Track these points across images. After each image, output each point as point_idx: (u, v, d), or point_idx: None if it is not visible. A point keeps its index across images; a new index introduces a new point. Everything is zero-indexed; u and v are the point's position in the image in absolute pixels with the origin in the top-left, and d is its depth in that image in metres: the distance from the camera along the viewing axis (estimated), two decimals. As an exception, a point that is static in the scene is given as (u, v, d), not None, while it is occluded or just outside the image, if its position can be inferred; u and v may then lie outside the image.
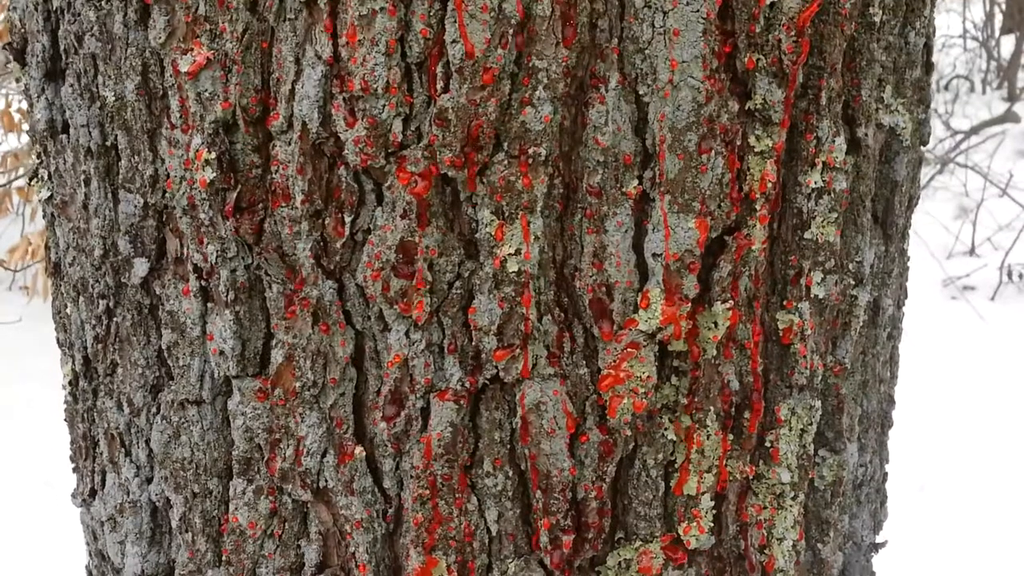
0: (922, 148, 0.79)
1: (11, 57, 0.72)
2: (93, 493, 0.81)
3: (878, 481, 0.86)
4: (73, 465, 0.86)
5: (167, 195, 0.64)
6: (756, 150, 0.60)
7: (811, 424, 0.70)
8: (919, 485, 4.40)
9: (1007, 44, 9.33)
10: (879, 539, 0.89)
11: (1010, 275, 6.22)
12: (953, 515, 4.08)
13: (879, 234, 0.73)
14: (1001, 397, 5.02)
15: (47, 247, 0.82)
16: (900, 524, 4.32)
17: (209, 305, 0.65)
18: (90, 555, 0.89)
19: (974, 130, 7.32)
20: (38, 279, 5.36)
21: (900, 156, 0.72)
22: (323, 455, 0.66)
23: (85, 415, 0.78)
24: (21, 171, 5.37)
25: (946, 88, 10.61)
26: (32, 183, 0.77)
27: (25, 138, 5.85)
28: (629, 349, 0.60)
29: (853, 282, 0.71)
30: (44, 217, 0.80)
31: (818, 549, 0.77)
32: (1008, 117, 7.19)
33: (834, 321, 0.71)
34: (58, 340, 0.82)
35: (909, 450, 4.58)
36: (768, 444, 0.69)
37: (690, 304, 0.61)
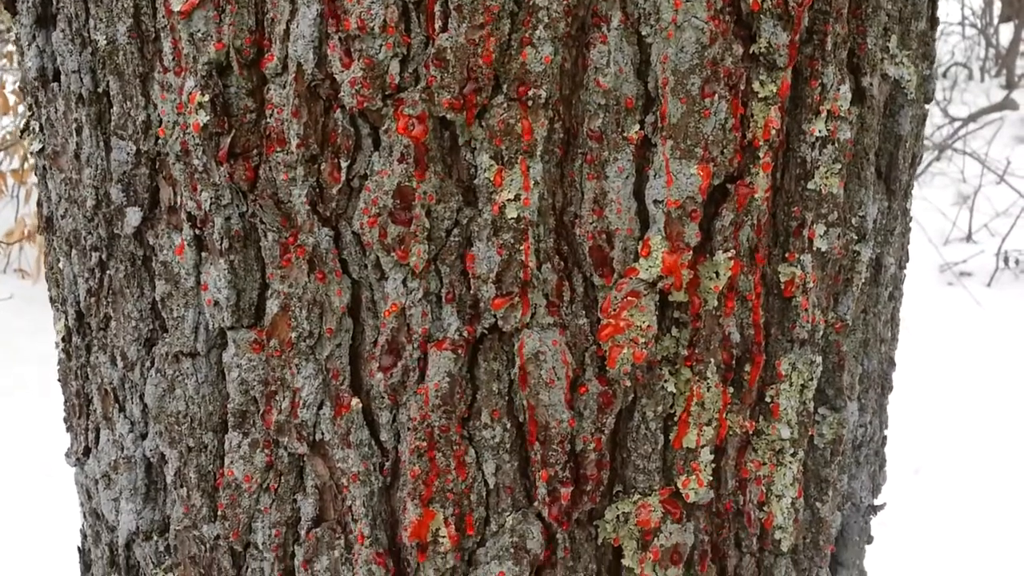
0: (925, 106, 0.79)
1: (2, 7, 0.71)
2: (87, 451, 0.80)
3: (877, 443, 0.85)
4: (67, 424, 0.86)
5: (160, 141, 0.63)
6: (760, 96, 0.59)
7: (812, 380, 0.70)
8: (914, 468, 4.42)
9: (1005, 32, 9.32)
10: (877, 502, 0.89)
11: (1007, 261, 6.23)
12: (948, 498, 4.10)
13: (882, 189, 0.72)
14: (997, 382, 5.03)
15: (39, 204, 0.81)
16: (895, 507, 4.33)
17: (203, 255, 0.64)
18: (84, 516, 0.88)
19: (972, 117, 7.32)
20: (37, 262, 5.34)
21: (905, 109, 0.71)
22: (319, 407, 0.65)
23: (78, 372, 0.77)
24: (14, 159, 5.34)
25: (944, 76, 10.61)
26: (23, 136, 0.76)
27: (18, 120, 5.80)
28: (629, 298, 0.60)
29: (856, 237, 0.70)
30: (36, 172, 0.79)
31: (817, 508, 0.76)
32: (1006, 104, 7.19)
33: (836, 276, 0.70)
34: (51, 297, 0.81)
35: (905, 434, 4.60)
36: (768, 399, 0.69)
37: (691, 253, 0.60)
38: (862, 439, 0.81)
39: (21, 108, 5.73)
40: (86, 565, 0.92)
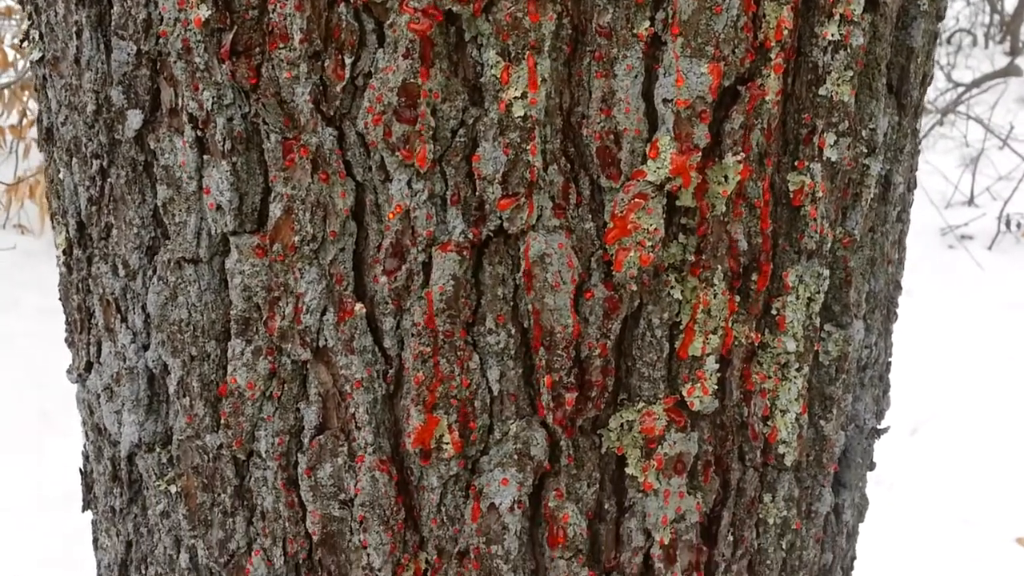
0: (939, 23, 0.77)
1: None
2: (89, 366, 0.80)
3: (882, 367, 0.85)
4: (68, 341, 0.86)
5: (161, 41, 0.62)
6: (772, -5, 0.58)
7: (819, 293, 0.69)
8: (912, 428, 4.44)
9: (1011, -2, 9.18)
10: (881, 425, 0.89)
11: (1008, 225, 6.23)
12: (945, 459, 4.12)
13: (893, 104, 0.71)
14: (996, 345, 5.05)
15: (39, 119, 0.80)
16: (892, 467, 4.37)
17: (205, 157, 0.63)
18: (85, 434, 0.89)
19: (976, 83, 7.29)
20: (39, 217, 5.33)
21: (917, 21, 0.70)
22: (323, 313, 0.65)
23: (80, 285, 0.77)
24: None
25: (948, 41, 10.55)
26: (23, 45, 0.74)
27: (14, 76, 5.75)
28: (636, 200, 0.59)
29: (866, 150, 0.69)
30: (35, 83, 0.78)
31: (820, 426, 0.76)
32: (1010, 71, 7.14)
33: (845, 189, 0.69)
34: (52, 211, 0.81)
35: (903, 394, 4.60)
36: (774, 311, 0.68)
37: (700, 155, 0.59)
38: (867, 360, 0.81)
39: (21, 64, 5.68)
40: (87, 487, 0.93)
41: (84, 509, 0.98)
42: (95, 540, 0.98)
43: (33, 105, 5.70)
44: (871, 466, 0.91)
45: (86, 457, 0.92)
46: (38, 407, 4.14)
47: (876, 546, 3.46)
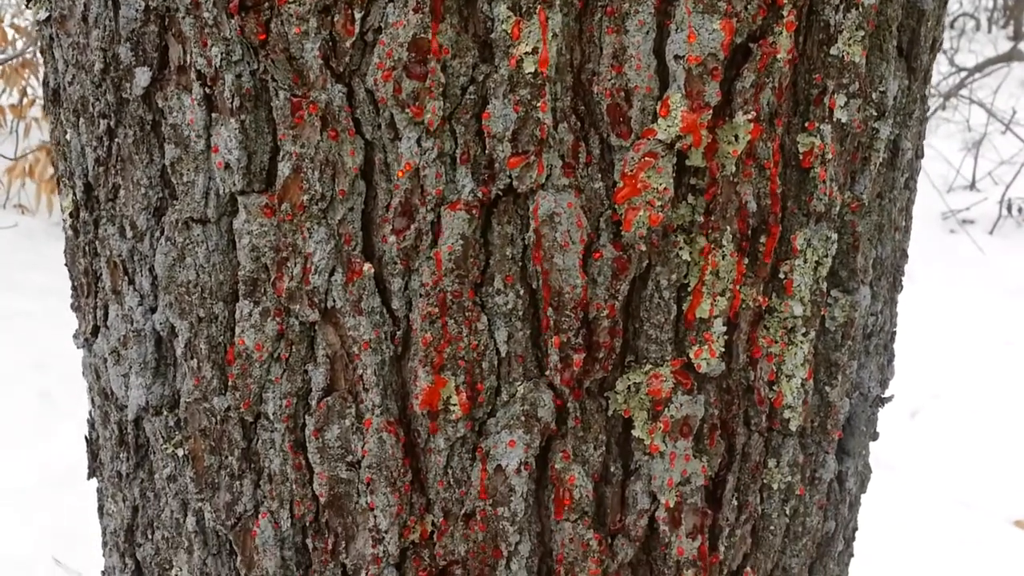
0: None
1: None
2: (95, 330, 0.80)
3: (887, 335, 0.85)
4: (74, 306, 0.86)
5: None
6: (784, -48, 0.58)
7: (826, 257, 0.69)
8: (912, 411, 4.45)
9: (1017, -21, 9.13)
10: (886, 394, 0.89)
11: (1010, 209, 6.23)
12: (944, 441, 4.14)
13: (903, 67, 0.71)
14: (996, 329, 5.05)
15: (45, 81, 0.80)
16: (892, 449, 4.38)
17: (214, 115, 0.63)
18: (92, 400, 0.89)
19: (979, 67, 7.27)
20: (36, 197, 5.32)
21: (928, -15, 0.69)
22: (331, 273, 0.65)
23: (87, 248, 0.76)
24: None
25: (952, 26, 10.50)
26: (29, 5, 0.74)
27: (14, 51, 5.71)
28: (647, 159, 0.59)
29: (876, 113, 0.69)
30: (41, 44, 0.77)
31: (826, 392, 0.76)
32: (1013, 55, 7.12)
33: (854, 153, 0.69)
34: (58, 174, 0.80)
35: (903, 377, 4.60)
36: (782, 275, 0.68)
37: (711, 113, 0.59)
38: (873, 328, 0.81)
39: (20, 43, 5.65)
40: (93, 454, 0.93)
41: (90, 476, 0.99)
42: (100, 507, 0.98)
43: (35, 83, 5.68)
44: (874, 436, 0.91)
45: (91, 424, 0.92)
46: (39, 387, 4.15)
47: (876, 527, 3.47)
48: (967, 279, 5.51)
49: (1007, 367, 4.69)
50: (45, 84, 0.80)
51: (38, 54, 5.80)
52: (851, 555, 0.99)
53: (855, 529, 0.97)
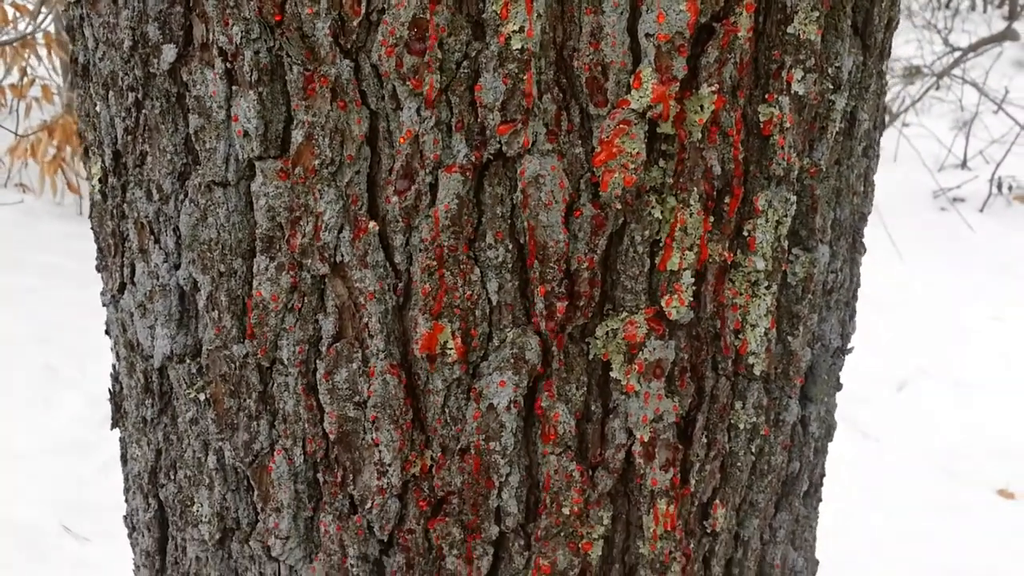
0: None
1: None
2: (122, 287, 0.88)
3: (848, 292, 0.93)
4: (100, 266, 0.93)
5: (194, -20, 0.68)
6: (744, -59, 0.65)
7: (786, 216, 0.77)
8: (899, 384, 4.53)
9: (1011, -43, 9.14)
10: (848, 347, 0.97)
11: (1000, 187, 6.29)
12: (930, 414, 4.22)
13: (858, 45, 0.78)
14: (984, 304, 5.12)
15: (73, 58, 0.87)
16: (879, 421, 4.45)
17: (234, 88, 0.70)
18: (117, 354, 0.96)
19: (973, 47, 7.27)
20: (39, 177, 5.35)
21: (880, -32, 0.76)
22: (340, 231, 0.72)
23: (114, 211, 0.84)
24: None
25: (947, 6, 10.49)
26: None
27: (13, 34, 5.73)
28: (621, 126, 0.66)
29: (831, 86, 0.76)
30: (69, 23, 0.84)
31: (788, 342, 0.84)
32: (1007, 35, 7.14)
33: (812, 123, 0.76)
34: (86, 143, 0.87)
35: (892, 351, 4.69)
36: (746, 233, 0.76)
37: (679, 85, 0.66)
38: (833, 284, 0.88)
39: (22, 25, 5.67)
40: (117, 405, 1.00)
41: (113, 427, 1.06)
42: (123, 455, 1.06)
43: (34, 62, 5.70)
44: (838, 386, 0.99)
45: (115, 377, 1.00)
46: (43, 361, 4.22)
47: (864, 497, 3.57)
48: (956, 256, 5.58)
49: (993, 342, 4.77)
50: (73, 60, 0.87)
51: (38, 35, 5.82)
52: (819, 499, 1.07)
53: (822, 475, 1.05)
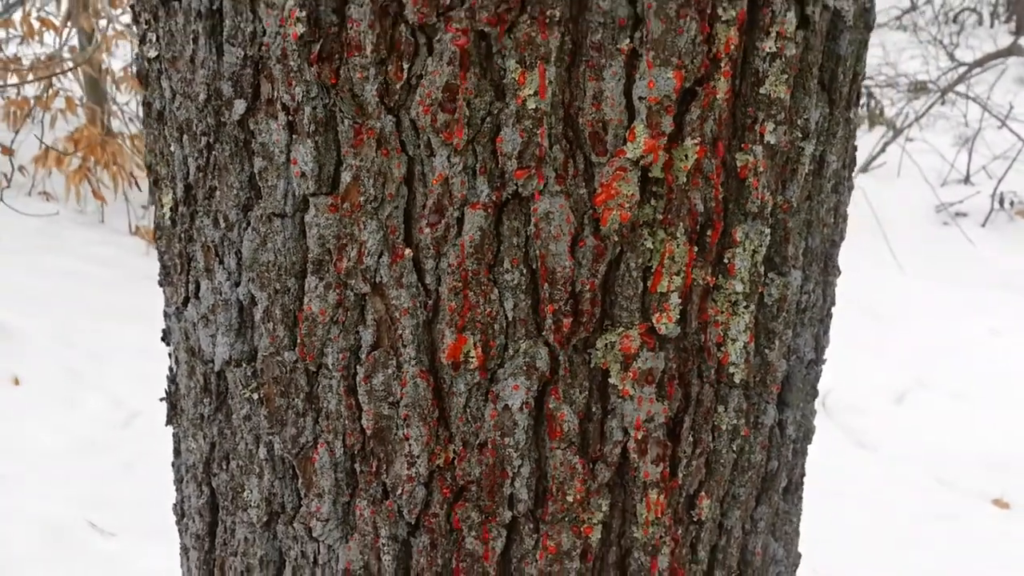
0: (868, 32, 0.97)
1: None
2: (186, 301, 1.01)
3: (820, 310, 1.05)
4: (166, 281, 1.06)
5: (263, 49, 0.81)
6: (723, 19, 0.78)
7: (761, 246, 0.89)
8: (898, 396, 4.61)
9: (1017, -24, 9.20)
10: (823, 359, 1.09)
11: (1002, 202, 6.35)
12: (928, 426, 4.31)
13: (824, 99, 0.91)
14: (983, 318, 5.20)
15: (146, 102, 1.00)
16: (878, 432, 4.55)
17: (294, 136, 0.83)
18: (176, 359, 1.09)
19: (978, 62, 7.33)
20: (65, 186, 5.50)
21: (844, 34, 0.89)
22: (379, 256, 0.85)
23: (182, 235, 0.97)
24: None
25: (954, 20, 10.54)
26: (141, 46, 0.94)
27: (37, 48, 5.88)
28: (618, 172, 0.79)
29: (800, 135, 0.89)
30: (145, 74, 0.97)
31: (765, 354, 0.96)
32: (1014, 50, 7.21)
33: (783, 166, 0.89)
34: (156, 176, 1.01)
35: (891, 364, 4.78)
36: (726, 260, 0.88)
37: (667, 139, 0.79)
38: (806, 304, 1.01)
39: (48, 38, 5.82)
40: (172, 404, 1.13)
41: (168, 423, 1.19)
42: (176, 448, 1.18)
43: (60, 78, 5.85)
44: (814, 393, 1.11)
45: (172, 379, 1.13)
46: (64, 363, 4.35)
47: (860, 504, 3.67)
48: (957, 270, 5.67)
49: (992, 355, 4.85)
50: (147, 104, 1.00)
51: (65, 51, 5.97)
52: (800, 496, 1.19)
53: (802, 475, 1.17)
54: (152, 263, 5.68)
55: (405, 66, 0.77)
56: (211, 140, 0.88)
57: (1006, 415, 4.23)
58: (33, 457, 3.60)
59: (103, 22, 5.83)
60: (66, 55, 6.10)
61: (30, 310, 4.58)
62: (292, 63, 0.80)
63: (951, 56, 7.70)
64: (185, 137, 0.90)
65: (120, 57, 6.24)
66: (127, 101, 6.07)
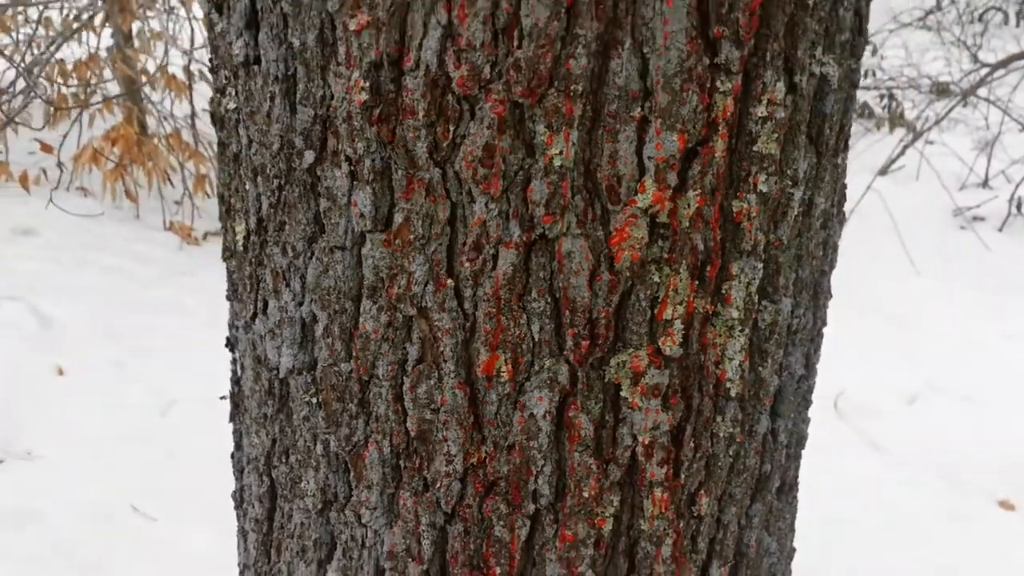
0: (854, 89, 1.10)
1: (211, 8, 1.04)
2: (254, 316, 1.16)
3: (811, 332, 1.18)
4: (235, 298, 1.21)
5: (331, 110, 0.96)
6: (720, 90, 0.91)
7: (755, 279, 1.03)
8: (910, 399, 4.71)
9: (1044, -24, 9.10)
10: (813, 375, 1.22)
11: (1019, 207, 6.38)
12: (939, 428, 4.40)
13: (812, 150, 1.04)
14: (996, 322, 5.27)
15: (223, 143, 1.15)
16: (889, 434, 4.65)
17: (355, 183, 0.98)
18: (242, 364, 1.24)
19: (1002, 63, 7.32)
20: (104, 184, 5.69)
21: (829, 96, 1.02)
22: (425, 284, 0.99)
23: (253, 260, 1.12)
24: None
25: (980, 19, 10.48)
26: (220, 96, 1.09)
27: (75, 48, 6.06)
28: (630, 218, 0.93)
29: (790, 183, 1.02)
30: (221, 119, 1.12)
31: (759, 371, 1.10)
32: (1038, 51, 7.17)
33: (775, 210, 1.02)
34: (230, 208, 1.16)
35: (904, 366, 4.86)
36: (724, 291, 1.02)
37: (672, 191, 0.93)
38: (796, 327, 1.14)
39: (86, 35, 5.99)
40: (235, 404, 1.29)
41: (231, 420, 1.35)
42: (237, 444, 1.34)
43: (105, 75, 6.02)
44: (806, 404, 1.25)
45: (236, 382, 1.28)
46: (110, 356, 4.53)
47: (869, 503, 3.78)
48: (972, 274, 5.72)
49: (1004, 359, 4.92)
50: (223, 145, 1.15)
51: (102, 51, 6.15)
52: (794, 496, 1.33)
53: (796, 478, 1.31)
54: (186, 259, 5.85)
55: (451, 128, 0.92)
56: (282, 182, 1.02)
57: (1015, 418, 4.30)
58: (79, 444, 3.79)
59: (139, 24, 6.01)
60: (103, 55, 6.28)
61: (72, 303, 4.77)
62: (356, 123, 0.94)
63: (974, 57, 7.68)
64: (259, 178, 1.05)
65: (155, 57, 6.42)
66: (161, 100, 6.25)
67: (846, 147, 1.13)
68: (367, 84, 0.91)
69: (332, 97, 0.95)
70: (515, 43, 0.87)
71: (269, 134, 1.01)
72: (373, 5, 0.89)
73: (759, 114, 0.94)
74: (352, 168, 0.96)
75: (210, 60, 1.11)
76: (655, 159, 0.89)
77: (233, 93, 1.05)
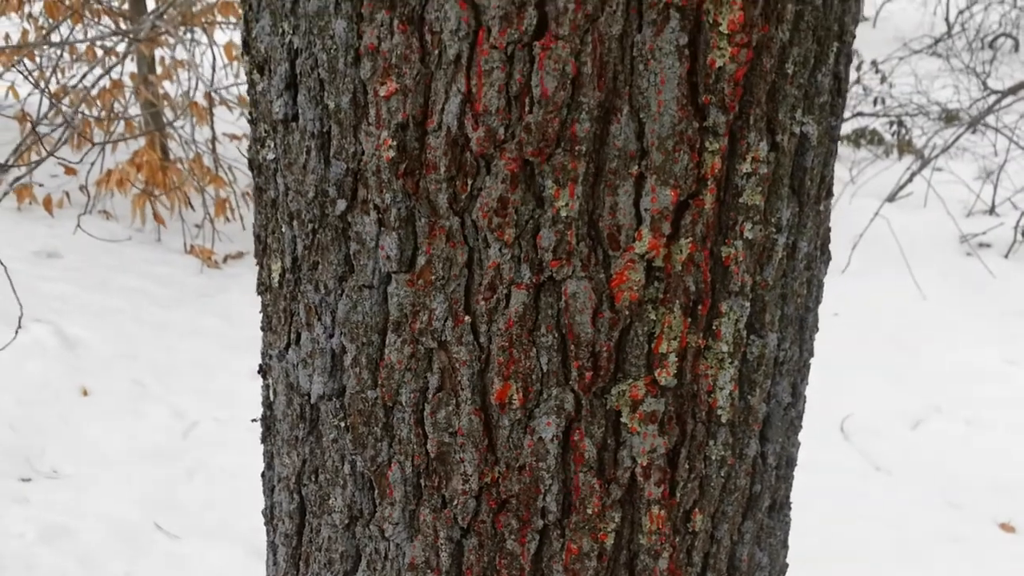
0: (834, 144, 1.21)
1: (253, 69, 1.16)
2: (288, 346, 1.27)
3: (797, 363, 1.28)
4: (269, 329, 1.32)
5: (361, 164, 1.08)
6: (709, 150, 1.02)
7: (743, 316, 1.13)
8: (913, 423, 4.78)
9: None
10: (801, 402, 1.32)
11: (1024, 234, 6.41)
12: (942, 451, 4.46)
13: (795, 200, 1.15)
14: (1000, 348, 5.32)
15: (260, 188, 1.26)
16: (892, 457, 4.74)
17: (382, 229, 1.09)
18: (274, 390, 1.35)
19: (1011, 90, 7.39)
20: (133, 208, 5.83)
21: (809, 151, 1.13)
22: (445, 320, 1.10)
23: (287, 295, 1.23)
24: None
25: (991, 46, 10.56)
26: (259, 147, 1.20)
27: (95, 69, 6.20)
28: (629, 263, 1.04)
29: (775, 230, 1.13)
30: (259, 167, 1.24)
31: (748, 399, 1.20)
32: (1046, 78, 7.25)
33: (760, 254, 1.13)
34: (266, 247, 1.27)
35: (906, 392, 4.93)
36: (714, 327, 1.12)
37: (666, 239, 1.04)
38: (783, 359, 1.24)
39: (108, 60, 6.15)
40: (267, 426, 1.40)
41: (262, 441, 1.46)
42: (268, 464, 1.45)
43: (122, 101, 6.20)
44: (794, 429, 1.35)
45: (268, 405, 1.39)
46: (130, 376, 4.65)
47: (872, 524, 3.85)
48: (977, 300, 5.79)
49: (1006, 385, 4.98)
50: (260, 190, 1.27)
51: (126, 77, 6.32)
52: (786, 514, 1.42)
53: (787, 497, 1.41)
54: (206, 281, 5.98)
55: (469, 182, 1.03)
56: (316, 227, 1.14)
57: (1016, 442, 4.36)
58: (103, 462, 3.90)
59: (160, 51, 6.18)
60: (127, 82, 6.45)
61: (96, 325, 4.90)
62: (384, 176, 1.06)
63: (984, 84, 7.75)
64: (295, 222, 1.16)
65: (179, 83, 6.58)
66: (182, 126, 6.41)
67: (828, 195, 1.24)
68: (394, 142, 1.03)
69: (363, 153, 1.06)
70: (526, 109, 0.99)
71: (305, 183, 1.12)
72: (401, 74, 1.00)
73: (744, 170, 1.05)
74: (380, 216, 1.08)
75: (249, 113, 1.23)
76: (651, 211, 1.00)
77: (272, 145, 1.16)
